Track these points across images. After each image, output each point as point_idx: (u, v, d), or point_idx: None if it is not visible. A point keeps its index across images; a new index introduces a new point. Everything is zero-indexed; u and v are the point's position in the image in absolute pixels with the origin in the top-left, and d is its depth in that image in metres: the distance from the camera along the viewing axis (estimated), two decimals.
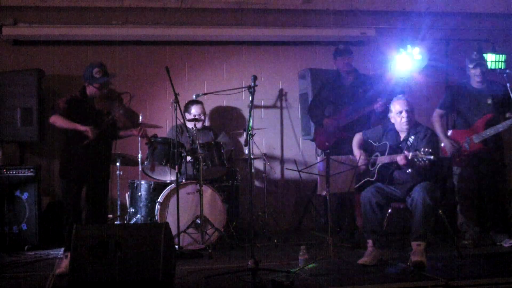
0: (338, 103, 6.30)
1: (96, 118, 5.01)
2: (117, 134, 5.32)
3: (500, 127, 5.57)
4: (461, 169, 5.84)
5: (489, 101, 5.70)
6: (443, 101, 5.98)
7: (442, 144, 5.86)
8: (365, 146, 5.41)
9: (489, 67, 6.97)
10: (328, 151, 5.57)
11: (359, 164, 5.25)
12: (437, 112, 5.96)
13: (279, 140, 7.40)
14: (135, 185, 6.06)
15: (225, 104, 7.27)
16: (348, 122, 6.17)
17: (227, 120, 7.27)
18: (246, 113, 7.11)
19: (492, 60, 7.10)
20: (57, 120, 5.01)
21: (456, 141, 5.77)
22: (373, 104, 5.93)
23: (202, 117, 6.57)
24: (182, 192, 5.66)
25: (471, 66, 5.78)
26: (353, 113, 6.15)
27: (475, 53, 5.81)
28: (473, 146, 5.68)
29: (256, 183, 7.07)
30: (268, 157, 6.91)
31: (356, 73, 6.35)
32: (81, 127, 4.92)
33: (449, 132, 5.93)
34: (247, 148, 4.88)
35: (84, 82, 5.10)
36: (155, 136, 5.84)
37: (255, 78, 4.87)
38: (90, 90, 5.07)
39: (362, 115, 6.14)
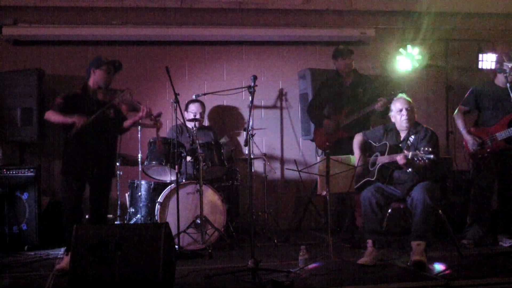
0: (338, 103, 6.30)
1: (97, 110, 4.96)
2: (122, 126, 5.21)
3: None
4: (477, 166, 5.83)
5: None
6: (467, 98, 5.95)
7: (464, 142, 5.87)
8: (365, 147, 5.41)
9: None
10: (328, 151, 5.57)
11: (358, 164, 5.26)
12: (460, 108, 5.96)
13: (279, 140, 7.40)
14: (135, 185, 6.06)
15: (225, 104, 7.27)
16: (348, 122, 6.18)
17: (227, 120, 7.27)
18: (246, 113, 7.12)
19: (492, 60, 7.10)
20: (50, 115, 4.99)
21: (479, 137, 5.77)
22: (374, 104, 5.93)
23: (198, 116, 6.55)
24: (182, 192, 5.66)
25: (510, 64, 5.69)
26: (354, 113, 6.16)
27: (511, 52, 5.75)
28: (495, 144, 5.67)
29: (256, 183, 7.06)
30: (268, 157, 6.91)
31: (356, 73, 6.36)
32: (69, 119, 4.87)
33: (471, 130, 5.87)
34: (247, 148, 4.88)
35: (89, 70, 5.05)
36: (159, 115, 5.63)
37: (255, 78, 4.87)
38: (96, 77, 5.02)
39: (362, 115, 6.14)
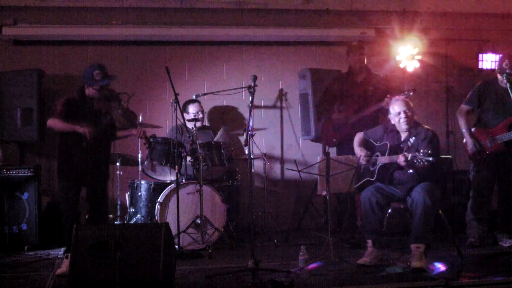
0: (348, 99, 6.30)
1: (94, 118, 5.01)
2: (115, 134, 5.32)
3: None
4: (476, 166, 5.83)
5: None
6: (470, 97, 5.91)
7: (464, 141, 5.86)
8: (366, 146, 5.40)
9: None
10: (331, 150, 5.56)
11: (360, 160, 5.24)
12: (463, 108, 5.93)
13: (279, 140, 7.40)
14: (135, 185, 6.06)
15: (225, 104, 7.27)
16: (357, 119, 6.17)
17: (227, 120, 7.27)
18: (246, 113, 7.11)
19: (492, 60, 7.11)
20: (55, 124, 5.01)
21: (479, 140, 5.75)
22: (381, 102, 5.95)
23: (200, 115, 6.57)
24: (182, 192, 5.66)
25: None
26: (362, 110, 6.16)
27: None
28: (495, 146, 5.67)
29: (256, 183, 7.06)
30: (268, 157, 6.91)
31: (368, 71, 6.38)
32: (79, 129, 4.91)
33: (472, 130, 5.85)
34: (247, 148, 4.89)
35: (83, 82, 5.10)
36: (154, 136, 5.83)
37: (255, 78, 4.87)
38: (89, 91, 5.06)
39: (371, 112, 6.14)
